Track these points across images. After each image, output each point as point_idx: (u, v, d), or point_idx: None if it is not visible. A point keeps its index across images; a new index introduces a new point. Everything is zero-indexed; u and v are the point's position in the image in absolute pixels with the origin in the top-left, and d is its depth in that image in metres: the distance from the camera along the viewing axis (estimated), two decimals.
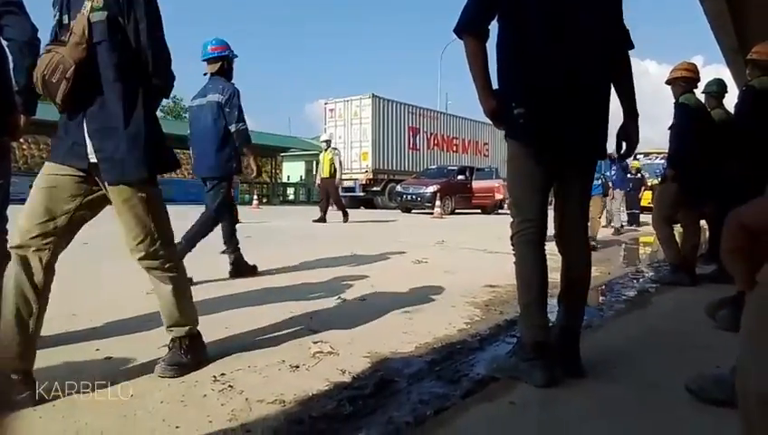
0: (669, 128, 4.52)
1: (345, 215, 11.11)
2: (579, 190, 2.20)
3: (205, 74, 4.33)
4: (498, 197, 18.18)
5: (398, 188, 18.43)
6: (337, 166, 11.38)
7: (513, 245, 2.18)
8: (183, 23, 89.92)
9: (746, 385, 0.79)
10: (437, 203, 15.19)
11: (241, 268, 4.28)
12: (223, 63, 4.29)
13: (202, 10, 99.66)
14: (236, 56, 4.41)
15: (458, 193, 17.78)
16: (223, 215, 4.38)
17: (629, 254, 7.64)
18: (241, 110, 4.20)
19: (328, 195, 11.43)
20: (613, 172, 11.06)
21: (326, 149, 11.73)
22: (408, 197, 17.53)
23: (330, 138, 12.35)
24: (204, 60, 4.30)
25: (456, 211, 17.54)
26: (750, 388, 0.78)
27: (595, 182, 7.53)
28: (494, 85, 2.16)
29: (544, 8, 2.03)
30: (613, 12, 2.15)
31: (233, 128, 4.15)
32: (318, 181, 12.09)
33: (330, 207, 11.31)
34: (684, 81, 4.46)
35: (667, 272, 4.70)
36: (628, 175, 13.25)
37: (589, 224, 4.72)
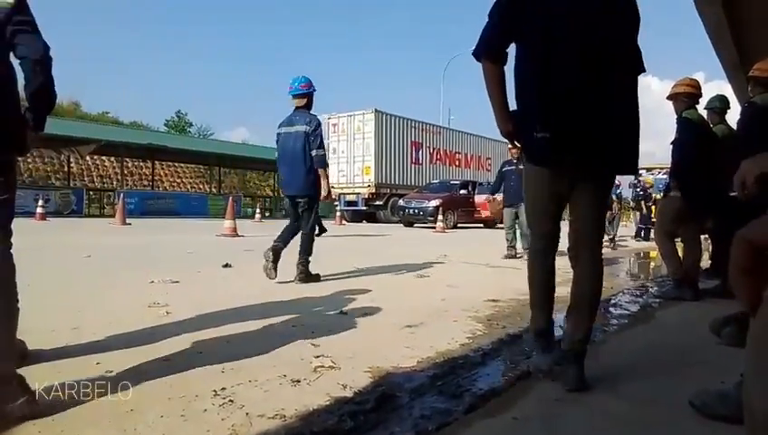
0: (672, 142, 4.53)
1: (320, 228, 10.87)
2: (594, 206, 2.21)
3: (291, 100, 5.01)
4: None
5: (401, 202, 18.47)
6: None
7: (528, 257, 2.40)
8: (182, 22, 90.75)
9: (752, 403, 0.79)
10: (440, 217, 15.23)
11: (308, 276, 4.85)
12: (309, 98, 4.95)
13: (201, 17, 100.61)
14: (315, 90, 5.02)
15: (460, 207, 17.79)
16: (315, 227, 5.06)
17: (632, 268, 7.61)
18: (322, 138, 4.88)
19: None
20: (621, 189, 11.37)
21: None
22: (411, 211, 17.56)
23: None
24: (293, 95, 4.93)
25: (459, 225, 17.53)
26: (756, 406, 0.77)
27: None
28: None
29: (565, 32, 2.05)
30: (630, 33, 2.17)
31: (313, 153, 4.77)
32: None
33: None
34: (686, 96, 4.47)
35: (669, 287, 4.67)
36: (639, 190, 13.39)
37: None
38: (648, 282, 5.75)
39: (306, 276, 4.79)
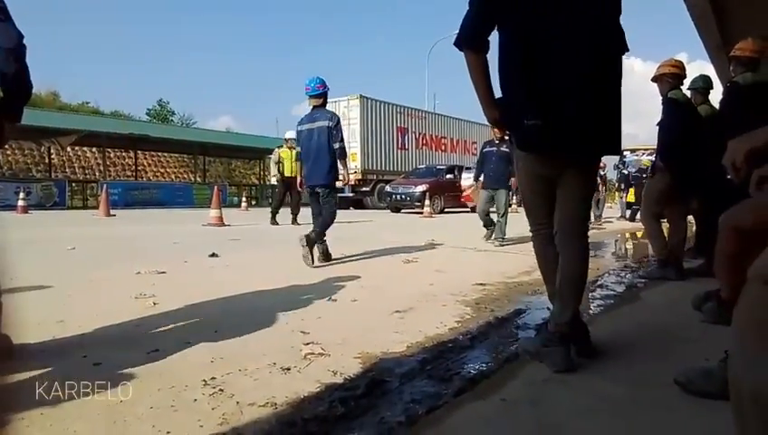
0: (658, 124, 4.55)
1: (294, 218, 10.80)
2: (580, 189, 2.23)
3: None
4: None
5: (387, 188, 18.46)
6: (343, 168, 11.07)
7: (532, 242, 2.44)
8: (162, 9, 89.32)
9: (739, 382, 0.80)
10: (427, 202, 15.23)
11: (328, 255, 5.40)
12: (324, 97, 5.44)
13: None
14: (329, 89, 5.49)
15: (447, 192, 17.83)
16: (335, 213, 5.47)
17: (618, 249, 7.69)
18: (342, 132, 5.38)
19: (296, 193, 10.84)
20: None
21: (291, 147, 10.97)
22: (398, 196, 17.59)
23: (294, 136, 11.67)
24: (311, 96, 5.38)
25: (446, 210, 17.57)
26: (743, 385, 0.78)
27: None
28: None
29: (548, 17, 2.04)
30: (612, 13, 2.16)
31: (336, 145, 5.25)
32: (274, 180, 11.59)
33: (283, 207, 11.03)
34: (671, 77, 4.49)
35: (654, 267, 4.74)
36: (635, 171, 13.66)
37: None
38: (634, 262, 5.82)
39: (325, 256, 5.30)
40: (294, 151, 11.13)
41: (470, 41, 2.16)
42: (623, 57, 2.22)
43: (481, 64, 2.17)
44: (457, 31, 2.18)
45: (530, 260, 3.52)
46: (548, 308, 2.56)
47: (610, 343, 2.47)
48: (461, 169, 19.39)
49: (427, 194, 16.01)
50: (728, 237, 0.77)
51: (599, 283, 4.31)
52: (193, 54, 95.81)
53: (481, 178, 7.52)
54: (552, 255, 2.29)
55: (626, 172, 15.30)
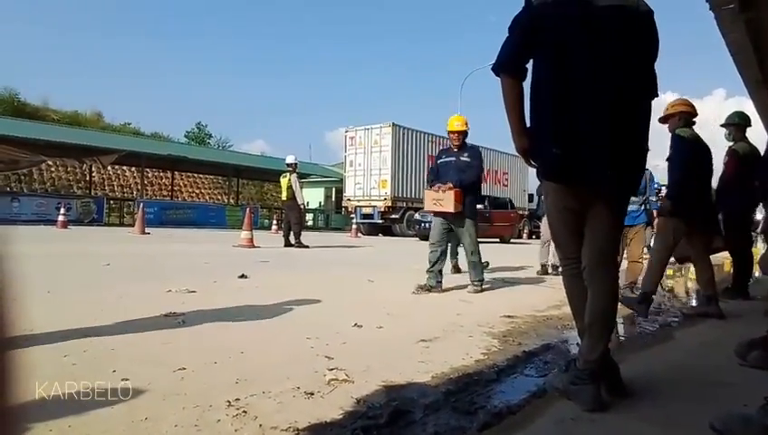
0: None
1: (295, 243, 10.97)
2: (608, 223, 2.20)
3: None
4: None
5: (417, 216, 18.42)
6: (295, 188, 11.35)
7: (562, 277, 2.43)
8: (204, 36, 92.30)
9: None
10: None
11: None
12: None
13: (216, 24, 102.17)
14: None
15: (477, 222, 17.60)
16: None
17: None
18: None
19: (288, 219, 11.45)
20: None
21: (290, 173, 11.58)
22: (426, 225, 17.48)
23: (294, 161, 11.84)
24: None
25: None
26: None
27: (634, 208, 6.96)
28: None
29: (581, 51, 2.06)
30: (647, 56, 2.17)
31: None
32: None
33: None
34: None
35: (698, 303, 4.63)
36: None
37: (626, 266, 4.62)
38: (666, 300, 5.66)
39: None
40: (287, 175, 11.46)
41: (507, 66, 2.19)
42: (653, 100, 2.21)
43: (516, 91, 2.20)
44: (496, 57, 2.21)
45: (560, 294, 3.46)
46: (578, 344, 2.50)
47: (642, 382, 2.39)
48: (493, 199, 19.26)
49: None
50: None
51: (630, 320, 4.20)
52: (232, 79, 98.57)
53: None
54: (581, 290, 2.24)
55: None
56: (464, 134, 5.64)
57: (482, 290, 5.43)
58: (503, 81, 2.21)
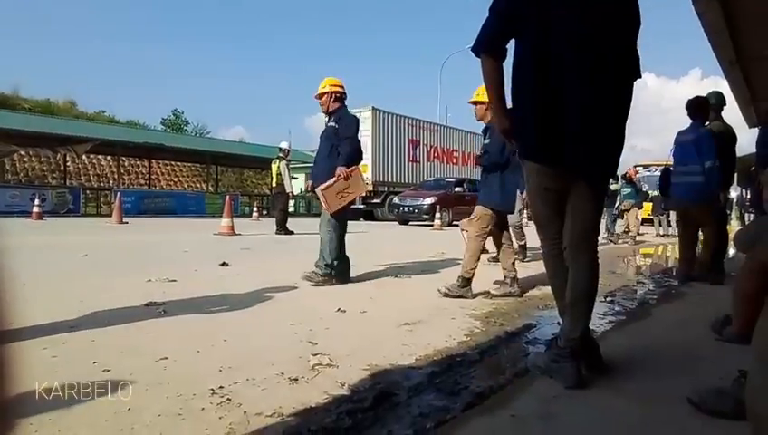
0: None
1: (278, 229, 10.76)
2: (589, 202, 2.22)
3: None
4: None
5: (396, 199, 18.45)
6: (284, 175, 11.29)
7: (543, 257, 2.42)
8: (177, 21, 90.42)
9: (757, 408, 0.78)
10: (437, 215, 15.21)
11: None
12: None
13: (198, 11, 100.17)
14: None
15: (456, 205, 17.49)
16: None
17: (629, 265, 7.62)
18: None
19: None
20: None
21: (279, 159, 11.51)
22: (406, 208, 17.58)
23: (287, 147, 11.84)
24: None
25: (454, 223, 17.42)
26: (761, 412, 0.77)
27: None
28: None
29: (563, 31, 2.06)
30: (630, 38, 2.17)
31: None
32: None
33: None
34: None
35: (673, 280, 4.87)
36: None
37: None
38: (645, 278, 5.76)
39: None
40: (281, 163, 11.29)
41: (487, 46, 2.18)
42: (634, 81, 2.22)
43: (496, 71, 2.19)
44: (476, 37, 2.20)
45: (540, 275, 3.50)
46: (558, 323, 2.54)
47: (622, 359, 2.44)
48: (472, 182, 19.28)
49: (437, 207, 15.97)
50: (753, 272, 0.75)
51: (610, 298, 4.27)
52: (208, 65, 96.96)
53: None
54: (562, 270, 2.27)
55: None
56: (328, 97, 4.78)
57: (318, 285, 4.48)
58: (483, 61, 2.20)
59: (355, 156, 4.72)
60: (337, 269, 4.58)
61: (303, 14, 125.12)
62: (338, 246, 4.61)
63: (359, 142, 4.84)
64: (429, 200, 16.83)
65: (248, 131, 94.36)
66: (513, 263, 4.44)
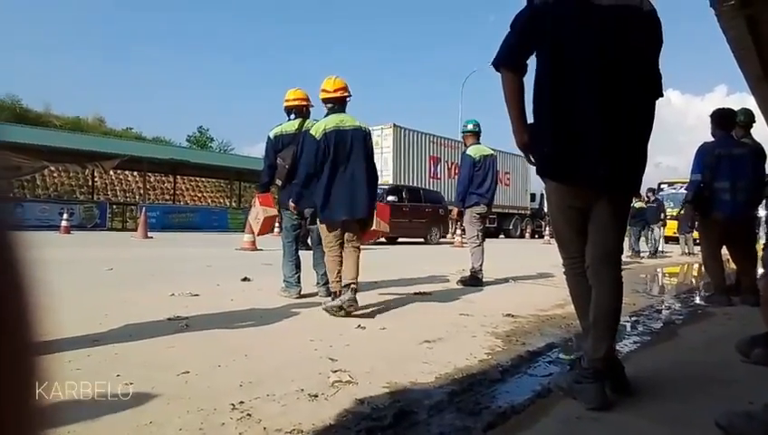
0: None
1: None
2: (611, 220, 2.20)
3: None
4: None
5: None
6: None
7: (565, 276, 2.41)
8: (204, 41, 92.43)
9: None
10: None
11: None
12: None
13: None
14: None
15: (389, 218, 14.16)
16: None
17: (654, 284, 7.47)
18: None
19: None
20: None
21: None
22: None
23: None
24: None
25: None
26: None
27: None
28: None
29: (584, 48, 2.06)
30: (650, 55, 2.16)
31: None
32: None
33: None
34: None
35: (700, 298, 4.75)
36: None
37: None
38: (671, 298, 5.65)
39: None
40: None
41: (506, 60, 2.20)
42: (657, 100, 2.21)
43: (516, 86, 2.20)
44: (496, 52, 2.21)
45: (563, 293, 3.46)
46: (581, 343, 2.50)
47: (647, 380, 2.39)
48: (417, 191, 17.53)
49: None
50: None
51: (635, 318, 4.19)
52: (233, 83, 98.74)
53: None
54: (585, 289, 2.24)
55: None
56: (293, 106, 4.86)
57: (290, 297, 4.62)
58: (502, 76, 2.22)
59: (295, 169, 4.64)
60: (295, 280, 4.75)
61: (327, 31, 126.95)
62: (291, 260, 4.80)
63: (265, 165, 4.93)
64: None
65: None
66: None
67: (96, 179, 27.12)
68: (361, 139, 4.09)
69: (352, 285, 3.90)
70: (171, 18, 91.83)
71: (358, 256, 4.06)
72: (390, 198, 15.08)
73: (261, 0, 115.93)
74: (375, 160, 4.25)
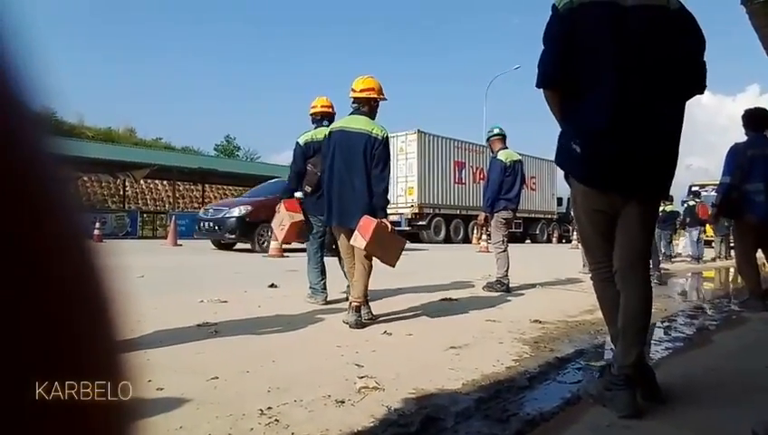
0: None
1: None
2: (640, 224, 2.16)
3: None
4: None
5: (200, 212, 13.63)
6: None
7: (592, 281, 2.39)
8: (230, 52, 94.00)
9: None
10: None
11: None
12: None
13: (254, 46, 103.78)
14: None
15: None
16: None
17: (686, 288, 7.30)
18: None
19: None
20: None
21: None
22: (208, 225, 11.86)
23: None
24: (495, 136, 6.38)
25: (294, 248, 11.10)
26: None
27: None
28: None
29: (613, 50, 2.04)
30: (688, 51, 2.13)
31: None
32: None
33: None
34: None
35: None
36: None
37: None
38: (704, 303, 5.51)
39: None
40: None
41: (547, 80, 2.20)
42: (697, 95, 2.18)
43: (559, 99, 2.20)
44: (537, 73, 2.20)
45: (591, 298, 3.41)
46: (611, 350, 2.46)
47: (679, 387, 2.33)
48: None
49: (248, 219, 11.03)
50: None
51: (666, 324, 4.10)
52: (260, 92, 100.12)
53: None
54: (613, 294, 2.21)
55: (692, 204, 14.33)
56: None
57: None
58: (546, 95, 2.23)
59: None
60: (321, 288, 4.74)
61: (352, 40, 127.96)
62: (315, 267, 4.80)
63: (292, 172, 4.93)
64: (237, 212, 11.17)
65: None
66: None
67: (127, 189, 27.73)
68: (362, 143, 3.80)
69: (354, 304, 3.72)
70: (194, 30, 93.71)
71: (363, 270, 3.82)
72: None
73: (285, 9, 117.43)
74: (386, 167, 3.91)
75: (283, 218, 4.78)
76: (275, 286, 5.57)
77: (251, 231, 11.15)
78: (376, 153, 3.83)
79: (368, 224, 3.60)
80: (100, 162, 20.71)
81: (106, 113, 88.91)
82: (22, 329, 0.23)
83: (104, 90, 75.71)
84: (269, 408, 2.05)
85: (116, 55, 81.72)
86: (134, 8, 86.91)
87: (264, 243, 11.12)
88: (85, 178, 25.72)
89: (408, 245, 15.62)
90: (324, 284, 4.73)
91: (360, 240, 3.60)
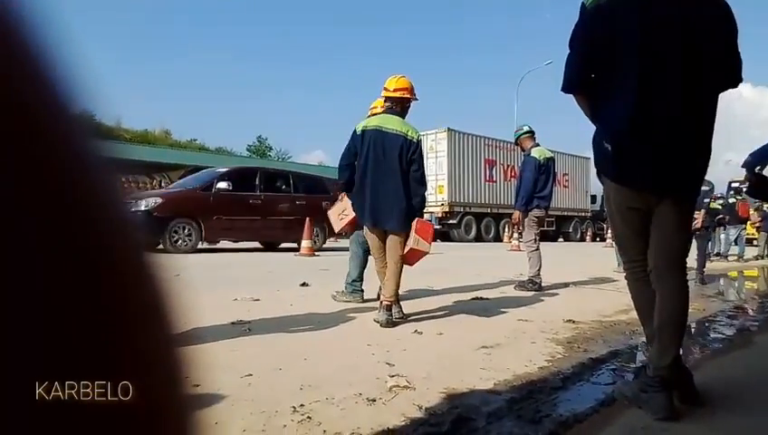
0: None
1: None
2: (675, 221, 2.11)
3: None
4: None
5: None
6: None
7: (626, 280, 2.35)
8: (262, 55, 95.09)
9: None
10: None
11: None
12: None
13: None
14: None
15: (217, 214, 10.37)
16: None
17: (727, 288, 7.08)
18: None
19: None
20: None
21: None
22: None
23: None
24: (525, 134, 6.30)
25: (215, 247, 12.00)
26: None
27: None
28: None
29: (644, 46, 2.00)
30: (723, 41, 2.07)
31: None
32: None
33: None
34: None
35: None
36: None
37: None
38: (745, 303, 5.34)
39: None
40: None
41: (574, 84, 2.18)
42: (732, 88, 2.12)
43: (589, 101, 2.18)
44: (563, 77, 2.18)
45: (626, 298, 3.35)
46: (647, 350, 2.41)
47: (718, 390, 2.27)
48: (298, 177, 13.06)
49: (157, 211, 9.57)
50: None
51: (706, 325, 3.99)
52: (291, 92, 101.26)
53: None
54: (648, 294, 2.17)
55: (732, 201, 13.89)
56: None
57: (342, 301, 4.65)
58: (575, 97, 2.20)
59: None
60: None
61: (382, 41, 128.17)
62: (360, 264, 4.76)
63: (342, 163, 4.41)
64: (144, 205, 9.58)
65: (327, 155, 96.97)
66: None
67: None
68: (398, 145, 3.78)
69: (385, 302, 3.76)
70: (227, 30, 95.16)
71: (395, 270, 3.85)
72: (222, 184, 10.48)
73: (317, 10, 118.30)
74: (423, 170, 3.89)
75: (347, 208, 4.66)
76: (307, 285, 5.63)
77: (160, 228, 9.49)
78: (413, 157, 3.82)
79: (427, 227, 3.75)
80: (137, 164, 21.27)
81: (142, 115, 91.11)
82: (86, 333, 0.24)
83: (138, 90, 77.65)
84: (301, 405, 2.07)
85: (149, 55, 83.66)
86: (163, 10, 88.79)
87: (177, 241, 9.76)
88: (122, 180, 26.39)
89: (439, 243, 15.65)
90: (361, 283, 4.74)
91: (423, 244, 3.73)
